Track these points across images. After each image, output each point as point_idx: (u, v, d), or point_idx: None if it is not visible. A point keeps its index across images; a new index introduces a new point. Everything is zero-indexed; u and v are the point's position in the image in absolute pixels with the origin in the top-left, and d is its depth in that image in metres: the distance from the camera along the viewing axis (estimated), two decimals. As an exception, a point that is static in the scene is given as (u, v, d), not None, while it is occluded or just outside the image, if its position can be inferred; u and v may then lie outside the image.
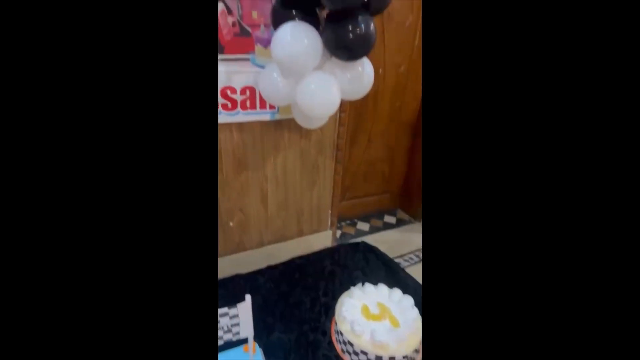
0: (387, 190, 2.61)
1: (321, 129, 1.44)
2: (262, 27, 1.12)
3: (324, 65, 1.00)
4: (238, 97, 1.19)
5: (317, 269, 1.32)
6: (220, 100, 1.17)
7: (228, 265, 1.36)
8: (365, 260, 1.39)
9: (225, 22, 1.07)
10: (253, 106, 1.23)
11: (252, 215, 1.48)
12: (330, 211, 1.70)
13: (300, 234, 1.65)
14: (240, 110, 1.22)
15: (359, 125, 2.23)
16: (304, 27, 0.91)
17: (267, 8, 1.09)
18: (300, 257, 1.40)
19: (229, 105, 1.19)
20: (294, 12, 0.96)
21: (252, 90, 1.19)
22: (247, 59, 1.14)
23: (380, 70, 2.09)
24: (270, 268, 1.33)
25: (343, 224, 2.55)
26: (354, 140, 2.28)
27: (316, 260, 1.37)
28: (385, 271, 1.33)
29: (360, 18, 0.88)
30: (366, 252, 1.44)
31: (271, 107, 1.25)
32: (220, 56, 1.10)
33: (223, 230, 1.44)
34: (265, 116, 1.27)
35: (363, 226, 2.64)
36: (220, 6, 1.04)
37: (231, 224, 1.45)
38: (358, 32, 0.89)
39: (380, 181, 2.54)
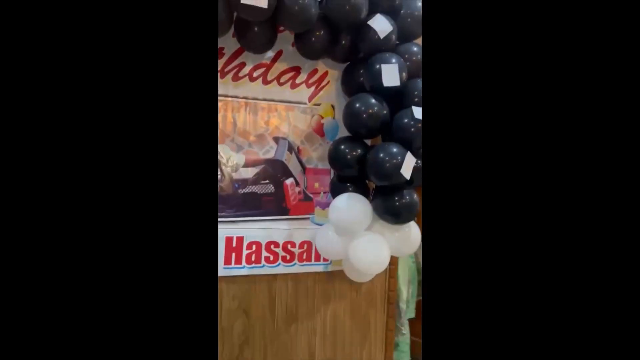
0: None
1: (372, 280, 1.47)
2: (321, 193, 1.36)
3: (374, 226, 1.14)
4: (296, 250, 1.33)
5: None
6: (281, 253, 1.32)
7: None
8: None
9: (293, 191, 1.33)
10: (309, 258, 1.35)
11: (298, 374, 1.37)
12: (383, 376, 1.51)
13: (349, 403, 1.44)
14: (297, 262, 1.34)
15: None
16: (356, 198, 1.10)
17: (327, 179, 1.36)
18: None
19: (288, 257, 1.32)
20: (347, 184, 1.18)
21: (309, 244, 1.34)
22: (307, 218, 1.34)
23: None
24: None
25: (399, 393, 2.14)
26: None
27: None
28: None
29: (405, 191, 1.05)
30: None
31: (324, 259, 1.36)
32: (285, 217, 1.32)
33: (266, 391, 1.33)
34: (318, 267, 1.36)
35: (423, 400, 2.18)
36: (290, 180, 1.32)
37: (275, 383, 1.34)
38: (403, 202, 1.04)
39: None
